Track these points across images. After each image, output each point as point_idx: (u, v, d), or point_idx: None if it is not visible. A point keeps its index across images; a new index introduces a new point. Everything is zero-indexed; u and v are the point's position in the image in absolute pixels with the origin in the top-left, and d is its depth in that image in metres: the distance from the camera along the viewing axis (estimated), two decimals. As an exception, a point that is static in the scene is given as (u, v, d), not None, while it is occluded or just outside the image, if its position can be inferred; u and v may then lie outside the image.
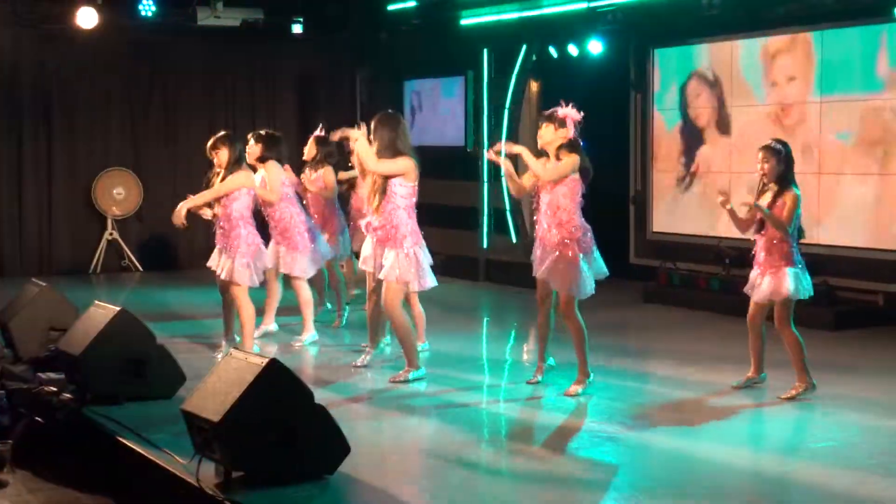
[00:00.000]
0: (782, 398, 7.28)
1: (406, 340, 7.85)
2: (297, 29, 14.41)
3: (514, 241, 13.32)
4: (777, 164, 7.31)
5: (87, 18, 12.98)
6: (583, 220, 7.45)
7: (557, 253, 7.40)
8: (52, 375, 7.51)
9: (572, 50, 12.27)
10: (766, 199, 7.34)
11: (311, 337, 9.30)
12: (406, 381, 7.79)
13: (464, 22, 13.18)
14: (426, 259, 7.87)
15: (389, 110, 8.08)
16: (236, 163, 8.50)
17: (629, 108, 12.84)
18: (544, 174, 7.44)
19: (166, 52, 14.44)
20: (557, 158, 7.45)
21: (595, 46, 11.97)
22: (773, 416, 6.97)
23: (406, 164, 7.75)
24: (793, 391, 7.31)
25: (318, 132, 10.16)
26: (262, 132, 9.46)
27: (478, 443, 6.49)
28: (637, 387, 7.84)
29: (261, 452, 5.40)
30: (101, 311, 7.46)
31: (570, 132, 7.42)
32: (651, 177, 12.65)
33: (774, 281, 7.30)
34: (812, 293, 7.47)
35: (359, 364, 8.31)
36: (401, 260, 7.69)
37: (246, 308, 8.43)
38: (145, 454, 6.01)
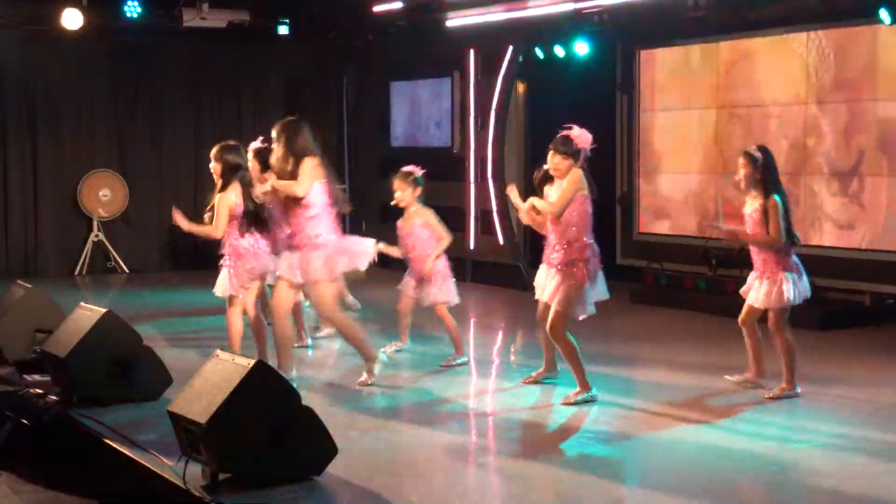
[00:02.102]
0: (767, 397, 7.32)
1: (284, 343, 7.68)
2: (283, 30, 14.39)
3: (501, 242, 13.32)
4: (753, 171, 7.33)
5: (72, 20, 12.94)
6: (592, 239, 7.20)
7: (562, 273, 7.15)
8: (38, 377, 7.50)
9: (558, 51, 12.29)
10: (751, 207, 7.37)
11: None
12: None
13: (450, 23, 13.18)
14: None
15: (289, 118, 7.95)
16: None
17: (615, 109, 12.86)
18: (552, 209, 7.14)
19: (152, 54, 14.42)
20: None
21: (581, 48, 11.99)
22: (759, 416, 6.97)
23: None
24: (777, 391, 7.34)
25: (260, 143, 8.96)
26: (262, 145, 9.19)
27: (464, 443, 6.49)
28: (625, 388, 7.84)
29: (248, 454, 5.39)
30: (87, 313, 7.44)
31: (581, 161, 7.17)
32: (637, 178, 12.68)
33: (770, 287, 7.31)
34: (809, 295, 7.46)
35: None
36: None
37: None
38: (132, 456, 5.99)
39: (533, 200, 7.27)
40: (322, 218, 7.49)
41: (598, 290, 7.29)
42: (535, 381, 7.82)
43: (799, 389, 7.39)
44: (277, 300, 7.62)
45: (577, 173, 7.12)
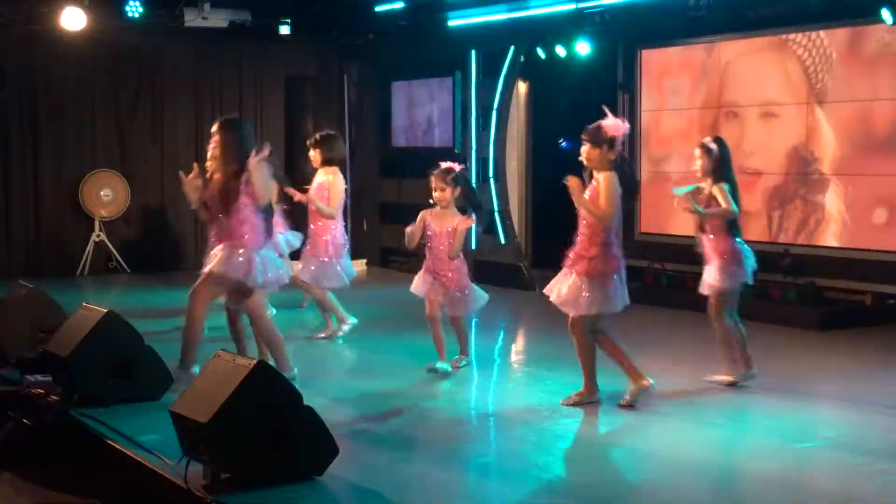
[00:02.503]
0: (712, 380, 7.63)
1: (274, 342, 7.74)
2: (284, 30, 14.38)
3: (503, 242, 13.33)
4: (709, 162, 7.64)
5: (73, 19, 12.93)
6: (614, 241, 7.02)
7: (569, 271, 7.06)
8: (40, 377, 7.49)
9: (560, 51, 12.29)
10: (704, 194, 7.66)
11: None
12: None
13: (451, 23, 13.19)
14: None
15: (230, 116, 7.98)
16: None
17: (617, 109, 12.86)
18: (600, 212, 6.90)
19: (153, 54, 14.42)
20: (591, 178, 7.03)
21: (583, 47, 11.99)
22: (759, 416, 6.98)
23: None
24: (727, 377, 7.61)
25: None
26: (318, 135, 9.42)
27: (466, 443, 6.50)
28: (624, 388, 7.84)
29: (249, 453, 5.39)
30: (89, 313, 7.43)
31: (617, 150, 6.97)
32: (638, 177, 12.67)
33: (709, 273, 7.66)
34: (749, 280, 7.65)
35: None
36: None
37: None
38: (133, 456, 6.00)
39: (583, 202, 6.97)
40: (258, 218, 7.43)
41: (620, 295, 7.08)
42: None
43: (737, 379, 7.60)
44: (252, 303, 7.59)
45: (610, 177, 6.90)
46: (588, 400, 7.17)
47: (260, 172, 7.26)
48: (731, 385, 7.62)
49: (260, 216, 7.41)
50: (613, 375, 7.26)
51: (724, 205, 7.51)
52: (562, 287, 7.09)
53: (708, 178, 7.66)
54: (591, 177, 7.03)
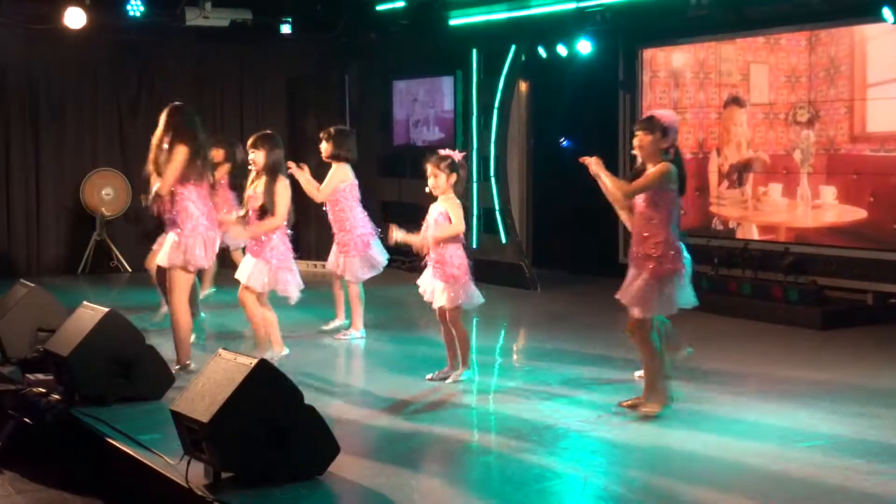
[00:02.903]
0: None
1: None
2: (285, 29, 14.38)
3: (504, 240, 13.32)
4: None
5: (74, 19, 12.94)
6: (674, 238, 6.79)
7: (638, 272, 6.84)
8: (41, 376, 7.50)
9: (561, 50, 12.28)
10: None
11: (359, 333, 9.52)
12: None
13: (453, 22, 13.18)
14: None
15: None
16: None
17: (618, 108, 12.86)
18: (625, 188, 6.77)
19: (154, 53, 14.41)
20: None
21: (584, 46, 11.98)
22: (761, 415, 6.97)
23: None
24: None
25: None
26: (332, 129, 9.56)
27: (468, 443, 6.49)
28: (627, 388, 7.85)
29: (250, 453, 5.39)
30: (90, 312, 7.44)
31: (671, 140, 6.76)
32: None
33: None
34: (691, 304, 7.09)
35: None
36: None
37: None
38: (134, 455, 6.00)
39: (604, 175, 6.76)
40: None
41: (684, 296, 6.89)
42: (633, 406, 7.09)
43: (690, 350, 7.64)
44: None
45: (666, 167, 6.69)
46: (657, 413, 6.89)
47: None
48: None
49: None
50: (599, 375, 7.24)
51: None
52: (632, 288, 6.86)
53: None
54: (642, 171, 6.80)
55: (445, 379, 7.87)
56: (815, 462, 5.95)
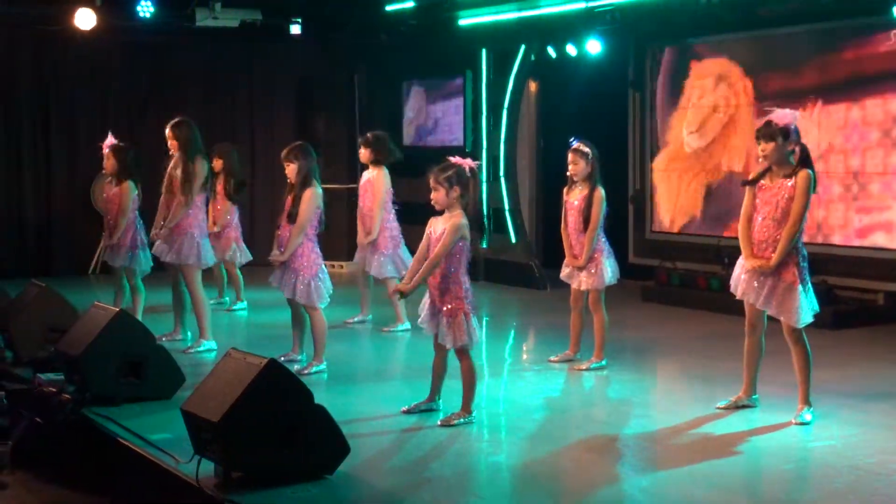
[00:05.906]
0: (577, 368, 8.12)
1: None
2: (295, 30, 14.39)
3: (514, 240, 13.32)
4: (585, 166, 8.11)
5: (85, 20, 12.96)
6: (802, 243, 6.68)
7: (777, 277, 6.67)
8: (52, 376, 7.52)
9: (571, 50, 12.27)
10: (574, 196, 8.20)
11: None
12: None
13: (462, 22, 13.18)
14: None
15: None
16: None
17: (628, 108, 12.85)
18: (791, 230, 6.56)
19: (164, 54, 14.44)
20: (780, 176, 6.65)
21: (593, 46, 11.97)
22: (772, 414, 6.95)
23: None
24: (586, 364, 8.13)
25: (111, 141, 9.73)
26: (370, 135, 9.95)
27: (477, 443, 6.49)
28: (637, 385, 7.84)
29: (260, 452, 5.40)
30: (101, 312, 7.46)
31: (795, 142, 6.62)
32: (650, 176, 12.66)
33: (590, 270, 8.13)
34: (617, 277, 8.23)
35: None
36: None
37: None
38: (145, 454, 6.01)
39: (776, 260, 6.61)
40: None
41: (810, 300, 6.68)
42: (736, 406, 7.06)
43: (605, 362, 8.13)
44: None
45: (806, 175, 6.56)
46: (806, 420, 6.73)
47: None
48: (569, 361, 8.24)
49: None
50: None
51: (594, 215, 8.10)
52: (773, 297, 6.68)
53: (583, 183, 8.16)
54: (769, 174, 6.69)
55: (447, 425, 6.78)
56: (828, 460, 5.94)
